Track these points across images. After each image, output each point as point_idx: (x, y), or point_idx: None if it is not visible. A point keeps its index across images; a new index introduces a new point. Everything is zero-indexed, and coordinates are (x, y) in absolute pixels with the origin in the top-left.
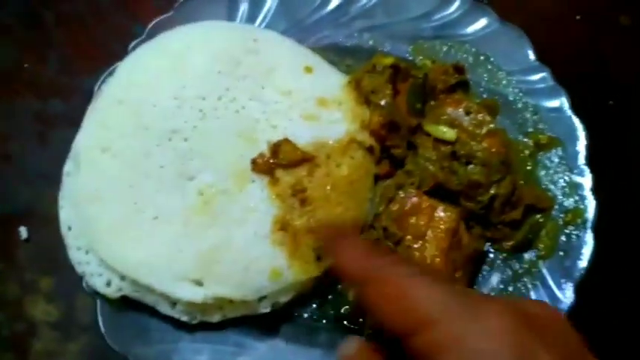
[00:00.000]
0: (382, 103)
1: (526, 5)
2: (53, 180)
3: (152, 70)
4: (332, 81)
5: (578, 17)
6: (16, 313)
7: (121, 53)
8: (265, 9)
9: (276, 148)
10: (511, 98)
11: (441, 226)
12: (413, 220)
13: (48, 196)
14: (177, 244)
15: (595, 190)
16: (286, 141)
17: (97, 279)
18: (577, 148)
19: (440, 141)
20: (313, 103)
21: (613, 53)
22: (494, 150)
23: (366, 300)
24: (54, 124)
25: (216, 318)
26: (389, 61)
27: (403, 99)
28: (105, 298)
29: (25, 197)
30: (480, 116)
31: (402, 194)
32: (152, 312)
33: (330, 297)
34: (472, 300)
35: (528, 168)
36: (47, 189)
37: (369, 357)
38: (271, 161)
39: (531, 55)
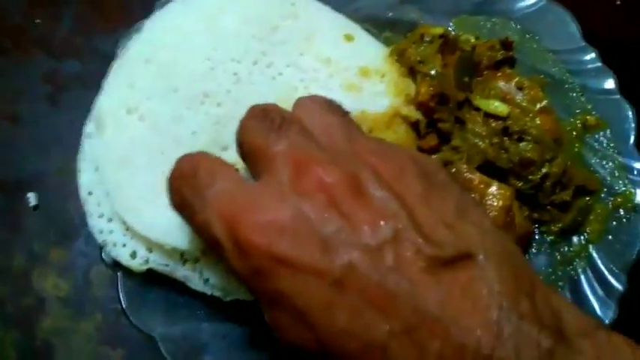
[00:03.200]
0: (432, 72)
1: None
2: (66, 144)
3: (182, 30)
4: (373, 51)
5: (618, 2)
6: (23, 287)
7: (141, 14)
8: None
9: None
10: (557, 78)
11: (495, 204)
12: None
13: (60, 160)
14: None
15: None
16: None
17: (121, 249)
18: (626, 131)
19: (490, 116)
20: (355, 72)
21: None
22: (547, 127)
23: None
24: (67, 86)
25: (250, 296)
26: (439, 30)
27: (450, 72)
28: (128, 272)
29: (34, 162)
30: (532, 92)
31: (452, 170)
32: (180, 289)
33: None
34: None
35: (575, 150)
36: (59, 153)
37: None
38: None
39: (578, 35)
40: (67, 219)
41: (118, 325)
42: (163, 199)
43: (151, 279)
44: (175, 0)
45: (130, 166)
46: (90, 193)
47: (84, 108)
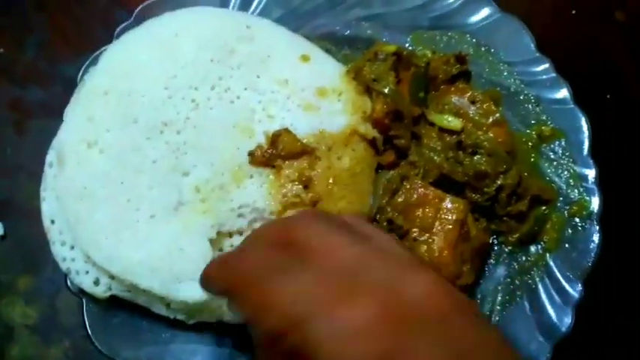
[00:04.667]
0: (386, 90)
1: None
2: (32, 172)
3: (139, 59)
4: (330, 70)
5: (573, 12)
6: None
7: (105, 39)
8: None
9: (275, 138)
10: (513, 89)
11: (449, 218)
12: (419, 212)
13: (26, 188)
14: (178, 243)
15: (599, 181)
16: (286, 131)
17: (84, 277)
18: (580, 140)
19: (445, 130)
20: (312, 92)
21: (608, 48)
22: (500, 140)
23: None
24: (32, 113)
25: (213, 317)
26: (392, 48)
27: (405, 88)
28: (92, 298)
29: (0, 190)
30: (485, 105)
31: (407, 185)
32: (143, 312)
33: None
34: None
35: (531, 160)
36: (25, 181)
37: None
38: (270, 151)
39: (532, 47)
40: (33, 247)
41: (86, 351)
42: (122, 233)
43: (116, 304)
44: (133, 29)
45: (90, 199)
46: (52, 222)
47: (49, 135)
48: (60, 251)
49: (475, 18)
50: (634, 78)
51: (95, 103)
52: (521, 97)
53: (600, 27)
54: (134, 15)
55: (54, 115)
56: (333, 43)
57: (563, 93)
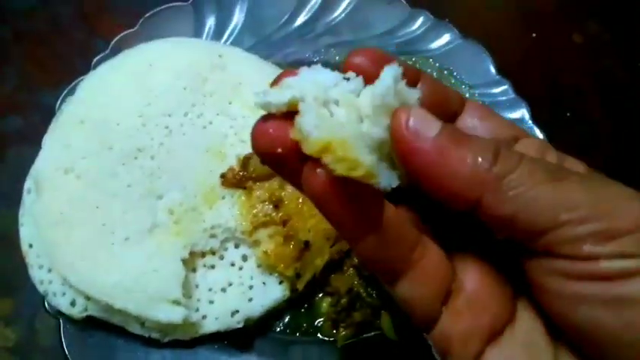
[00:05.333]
0: None
1: (484, 23)
2: (10, 199)
3: (114, 89)
4: None
5: (534, 35)
6: None
7: (83, 69)
8: (232, 25)
9: (246, 160)
10: None
11: None
12: None
13: (5, 215)
14: (152, 264)
15: None
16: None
17: (61, 299)
18: None
19: None
20: None
21: (567, 69)
22: None
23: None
24: (11, 142)
25: (187, 335)
26: None
27: None
28: (69, 319)
29: None
30: None
31: None
32: (119, 331)
33: (302, 309)
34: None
35: None
36: (4, 208)
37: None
38: (241, 174)
39: (492, 69)
40: (12, 270)
41: None
42: (98, 256)
43: (92, 324)
44: (109, 60)
45: (66, 223)
46: (30, 246)
47: (28, 162)
48: (37, 274)
49: (437, 43)
50: (592, 97)
51: (72, 131)
52: None
53: (559, 49)
54: (110, 46)
55: (33, 143)
56: None
57: (522, 113)
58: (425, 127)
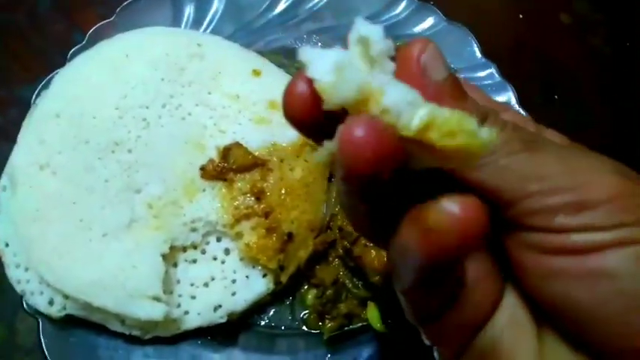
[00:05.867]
0: None
1: (470, 5)
2: None
3: (90, 81)
4: (281, 83)
5: (521, 16)
6: None
7: (61, 62)
8: (211, 12)
9: (226, 152)
10: None
11: None
12: None
13: None
14: (130, 260)
15: None
16: (237, 144)
17: (39, 298)
18: None
19: None
20: (263, 106)
21: (555, 50)
22: None
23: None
24: None
25: (169, 332)
26: None
27: None
28: (48, 318)
29: None
30: None
31: None
32: (99, 329)
33: (287, 302)
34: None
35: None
36: None
37: None
38: (222, 165)
39: (477, 53)
40: None
41: None
42: (75, 253)
43: (72, 323)
44: (85, 51)
45: (42, 220)
46: (7, 245)
47: (4, 159)
48: (14, 273)
49: (422, 27)
50: (581, 78)
51: (47, 126)
52: None
53: (546, 30)
54: (86, 37)
55: (10, 139)
56: (286, 57)
57: (508, 96)
58: (434, 67)
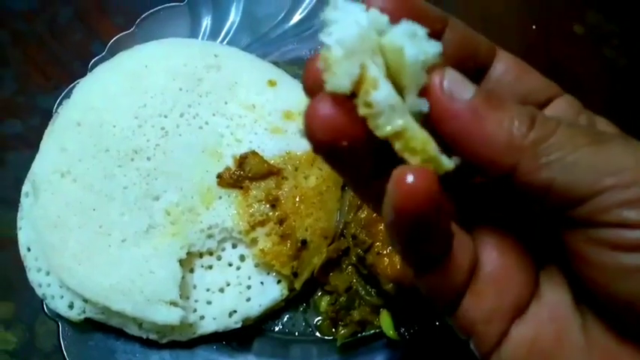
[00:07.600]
0: None
1: (483, 14)
2: (10, 203)
3: (110, 91)
4: (296, 93)
5: (534, 27)
6: None
7: (81, 71)
8: (228, 24)
9: (242, 160)
10: None
11: None
12: (381, 226)
13: (5, 219)
14: (148, 266)
15: None
16: (253, 153)
17: (59, 301)
18: None
19: None
20: (279, 116)
21: (568, 61)
22: None
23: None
24: (11, 146)
25: (185, 336)
26: None
27: None
28: (68, 321)
29: None
30: None
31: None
32: (118, 332)
33: (301, 309)
34: None
35: None
36: (4, 212)
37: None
38: (238, 173)
39: None
40: (13, 275)
41: None
42: (95, 258)
43: (91, 326)
44: (105, 62)
45: (63, 227)
46: (29, 249)
47: (26, 166)
48: (36, 277)
49: None
50: (594, 89)
51: (68, 135)
52: None
53: (559, 40)
54: (107, 48)
55: (31, 146)
56: (302, 67)
57: None
58: (459, 89)
